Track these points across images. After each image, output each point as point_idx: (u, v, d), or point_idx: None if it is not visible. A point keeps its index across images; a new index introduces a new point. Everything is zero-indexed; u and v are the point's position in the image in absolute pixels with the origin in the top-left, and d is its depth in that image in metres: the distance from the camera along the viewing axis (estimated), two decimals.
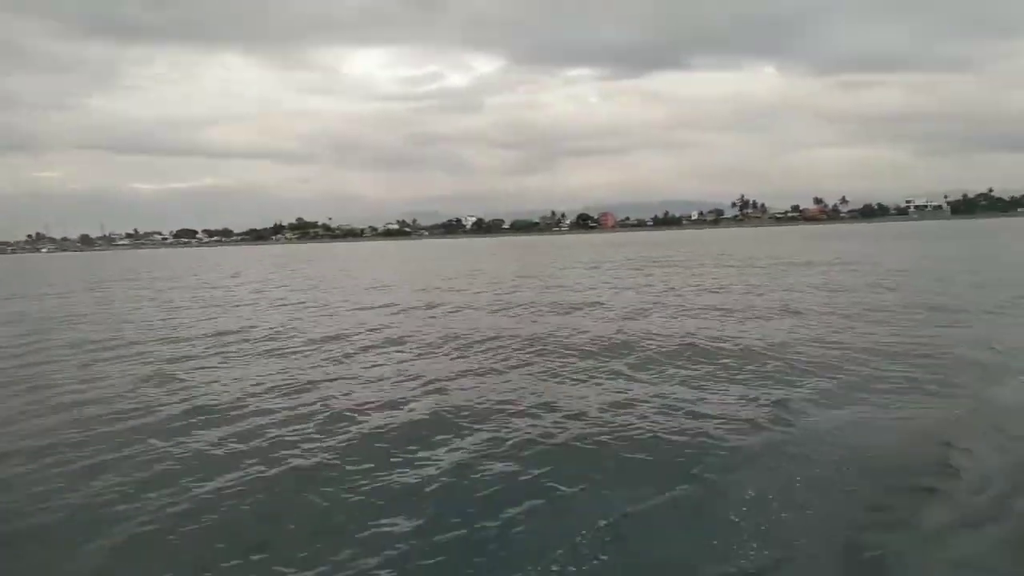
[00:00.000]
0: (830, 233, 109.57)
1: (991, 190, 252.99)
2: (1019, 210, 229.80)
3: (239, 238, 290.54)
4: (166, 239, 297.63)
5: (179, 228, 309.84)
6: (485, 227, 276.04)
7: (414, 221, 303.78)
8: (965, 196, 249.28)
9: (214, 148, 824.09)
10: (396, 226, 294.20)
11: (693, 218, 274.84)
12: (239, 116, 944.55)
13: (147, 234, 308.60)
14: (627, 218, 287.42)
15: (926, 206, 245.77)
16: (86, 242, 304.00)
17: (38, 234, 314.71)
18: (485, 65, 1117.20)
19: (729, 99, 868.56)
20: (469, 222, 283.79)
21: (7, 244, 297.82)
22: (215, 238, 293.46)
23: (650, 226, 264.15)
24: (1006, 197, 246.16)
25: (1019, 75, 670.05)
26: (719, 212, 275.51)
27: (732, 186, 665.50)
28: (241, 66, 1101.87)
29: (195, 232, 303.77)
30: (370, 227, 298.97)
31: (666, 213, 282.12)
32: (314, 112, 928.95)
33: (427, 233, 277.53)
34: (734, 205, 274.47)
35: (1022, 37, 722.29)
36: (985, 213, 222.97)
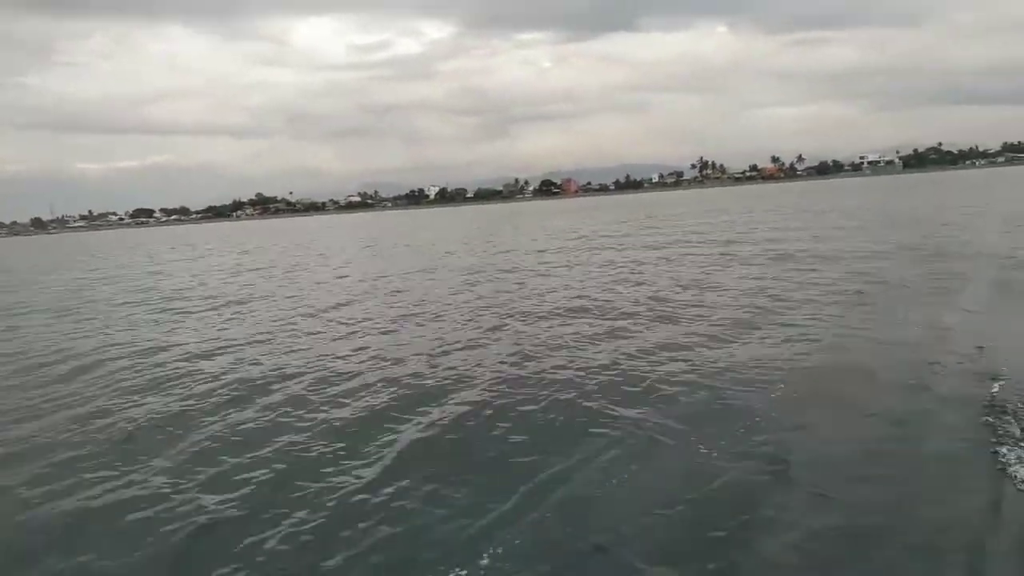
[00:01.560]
0: (774, 191, 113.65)
1: (940, 144, 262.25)
2: (967, 162, 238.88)
3: (198, 216, 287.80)
4: (122, 219, 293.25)
5: (135, 208, 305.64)
6: (449, 196, 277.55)
7: (375, 193, 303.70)
8: (916, 151, 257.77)
9: (163, 124, 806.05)
10: (358, 198, 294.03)
11: (654, 181, 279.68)
12: (187, 90, 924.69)
13: (102, 215, 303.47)
14: (589, 183, 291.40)
15: (879, 161, 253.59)
16: (39, 225, 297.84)
17: None
18: (436, 31, 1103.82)
19: (683, 59, 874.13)
20: (432, 192, 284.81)
21: None
22: (173, 217, 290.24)
23: (612, 190, 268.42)
24: (954, 150, 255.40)
25: (963, 28, 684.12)
26: (679, 174, 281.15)
27: (691, 147, 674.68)
28: (185, 38, 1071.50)
29: (152, 211, 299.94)
30: (331, 200, 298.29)
31: (627, 177, 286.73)
32: (264, 83, 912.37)
33: (390, 204, 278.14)
34: (694, 167, 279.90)
35: None
36: (935, 166, 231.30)
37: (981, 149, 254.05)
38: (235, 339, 13.42)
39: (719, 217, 46.42)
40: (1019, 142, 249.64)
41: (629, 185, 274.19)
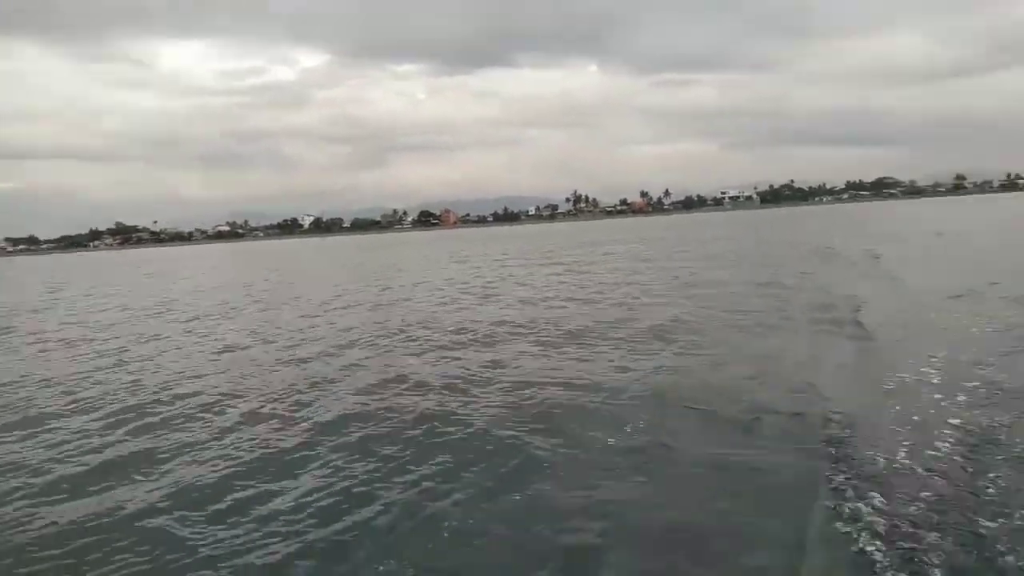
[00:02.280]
0: (636, 225, 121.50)
1: (792, 181, 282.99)
2: (816, 199, 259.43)
3: (50, 246, 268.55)
4: None
5: None
6: (324, 226, 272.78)
7: (246, 222, 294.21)
8: (771, 187, 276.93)
9: (10, 148, 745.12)
10: (227, 228, 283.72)
11: (531, 213, 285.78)
12: (39, 112, 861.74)
13: None
14: (467, 215, 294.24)
15: (738, 196, 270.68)
16: None
17: None
18: (310, 59, 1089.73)
19: (556, 96, 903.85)
20: (307, 221, 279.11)
21: None
22: (20, 247, 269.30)
23: (491, 222, 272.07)
24: (805, 187, 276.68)
25: (810, 75, 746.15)
26: (554, 207, 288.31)
27: (565, 181, 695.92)
28: (37, 57, 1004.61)
29: None
30: (197, 229, 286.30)
31: (505, 209, 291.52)
32: (126, 107, 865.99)
33: (262, 234, 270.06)
34: (568, 200, 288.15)
35: (815, 39, 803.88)
36: (789, 202, 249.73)
37: (828, 186, 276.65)
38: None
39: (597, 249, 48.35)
40: (860, 180, 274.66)
41: (507, 217, 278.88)
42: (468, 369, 11.31)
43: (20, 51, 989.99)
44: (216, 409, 9.84)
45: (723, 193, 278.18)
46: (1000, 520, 5.09)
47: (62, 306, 29.01)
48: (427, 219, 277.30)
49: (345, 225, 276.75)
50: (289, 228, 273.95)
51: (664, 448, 7.20)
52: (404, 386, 10.43)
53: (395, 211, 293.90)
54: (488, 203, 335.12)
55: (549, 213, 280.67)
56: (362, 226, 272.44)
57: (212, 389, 11.06)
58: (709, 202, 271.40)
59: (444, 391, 9.96)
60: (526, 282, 26.56)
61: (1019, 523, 5.05)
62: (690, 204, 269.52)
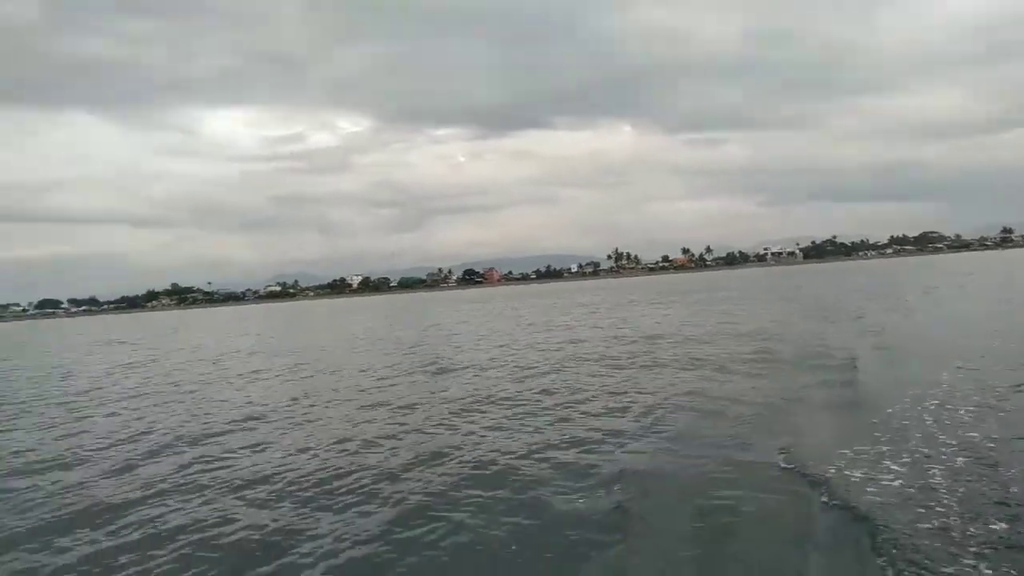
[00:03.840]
0: (682, 281, 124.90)
1: (835, 236, 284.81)
2: (859, 254, 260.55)
3: (110, 306, 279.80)
4: (26, 310, 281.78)
5: (39, 299, 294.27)
6: (372, 285, 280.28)
7: (296, 283, 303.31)
8: (814, 242, 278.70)
9: (62, 213, 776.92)
10: (278, 288, 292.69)
11: (573, 270, 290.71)
12: (92, 179, 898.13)
13: (3, 306, 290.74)
14: (510, 272, 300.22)
15: (781, 252, 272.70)
16: None
17: None
18: (351, 125, 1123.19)
19: (591, 156, 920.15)
20: (355, 281, 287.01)
21: None
22: (83, 308, 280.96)
23: (534, 279, 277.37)
24: (848, 242, 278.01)
25: (847, 132, 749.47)
26: (596, 264, 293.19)
27: (603, 238, 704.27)
28: (91, 126, 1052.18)
29: (60, 302, 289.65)
30: (249, 290, 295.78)
31: (548, 267, 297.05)
32: (173, 174, 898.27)
33: (312, 294, 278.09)
34: (609, 257, 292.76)
35: (850, 97, 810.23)
36: (832, 257, 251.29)
37: (871, 241, 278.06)
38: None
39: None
40: (904, 235, 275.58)
41: (550, 275, 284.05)
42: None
43: (73, 120, 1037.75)
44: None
45: (766, 249, 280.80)
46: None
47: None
48: (471, 277, 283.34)
49: (392, 284, 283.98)
50: (339, 288, 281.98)
51: None
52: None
53: (440, 270, 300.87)
54: (528, 260, 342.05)
55: (592, 270, 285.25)
56: (409, 285, 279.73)
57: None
58: (752, 258, 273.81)
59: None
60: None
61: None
62: (732, 260, 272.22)
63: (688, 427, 11.15)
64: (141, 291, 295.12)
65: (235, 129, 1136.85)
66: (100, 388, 22.18)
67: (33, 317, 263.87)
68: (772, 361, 17.46)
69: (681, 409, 12.46)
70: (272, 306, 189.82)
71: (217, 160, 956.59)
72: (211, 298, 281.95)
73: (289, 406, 15.92)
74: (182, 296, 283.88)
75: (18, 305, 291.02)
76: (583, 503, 7.91)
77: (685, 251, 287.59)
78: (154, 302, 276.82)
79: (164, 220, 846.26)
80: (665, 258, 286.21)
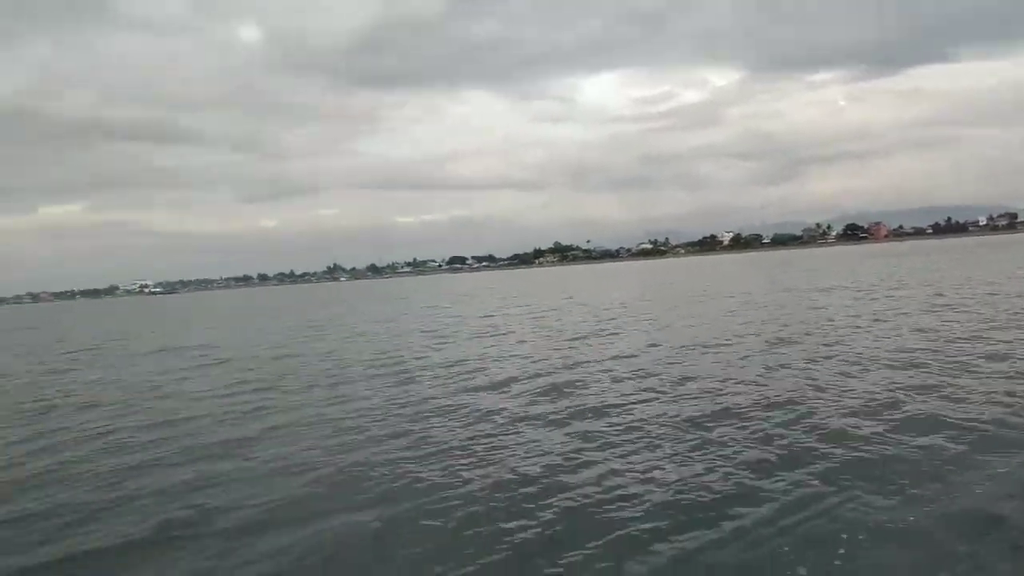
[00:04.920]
0: None
1: None
2: None
3: (504, 263, 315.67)
4: (440, 266, 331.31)
5: (450, 256, 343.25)
6: (743, 242, 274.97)
7: (667, 240, 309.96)
8: None
9: (462, 181, 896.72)
10: (649, 246, 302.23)
11: (982, 223, 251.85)
12: (482, 149, 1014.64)
13: (423, 262, 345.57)
14: (900, 227, 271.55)
15: None
16: (374, 271, 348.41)
17: (335, 264, 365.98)
18: (720, 79, 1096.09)
19: (1011, 88, 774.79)
20: (726, 238, 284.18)
21: (311, 274, 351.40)
22: (483, 264, 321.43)
23: (930, 234, 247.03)
24: None
25: None
26: (1013, 216, 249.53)
27: (1010, 187, 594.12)
28: (483, 102, 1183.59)
29: (465, 259, 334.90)
30: (623, 248, 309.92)
31: (949, 219, 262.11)
32: (549, 140, 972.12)
33: (682, 251, 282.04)
34: None
35: None
36: None
37: None
38: None
39: None
40: None
41: (950, 229, 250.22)
42: None
43: (469, 98, 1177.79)
44: None
45: None
46: None
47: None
48: (854, 232, 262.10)
49: (765, 241, 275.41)
50: (710, 245, 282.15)
51: None
52: None
53: (817, 225, 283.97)
54: (917, 213, 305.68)
55: (1007, 223, 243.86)
56: (783, 241, 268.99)
57: None
58: None
59: None
60: None
61: None
62: None
63: None
64: (528, 249, 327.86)
65: (607, 93, 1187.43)
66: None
67: (445, 271, 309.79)
68: None
69: None
70: (648, 263, 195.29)
71: (588, 124, 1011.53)
72: (589, 255, 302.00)
73: None
74: (563, 253, 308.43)
75: (434, 261, 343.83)
76: None
77: None
78: (541, 259, 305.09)
79: (541, 183, 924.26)
80: None
